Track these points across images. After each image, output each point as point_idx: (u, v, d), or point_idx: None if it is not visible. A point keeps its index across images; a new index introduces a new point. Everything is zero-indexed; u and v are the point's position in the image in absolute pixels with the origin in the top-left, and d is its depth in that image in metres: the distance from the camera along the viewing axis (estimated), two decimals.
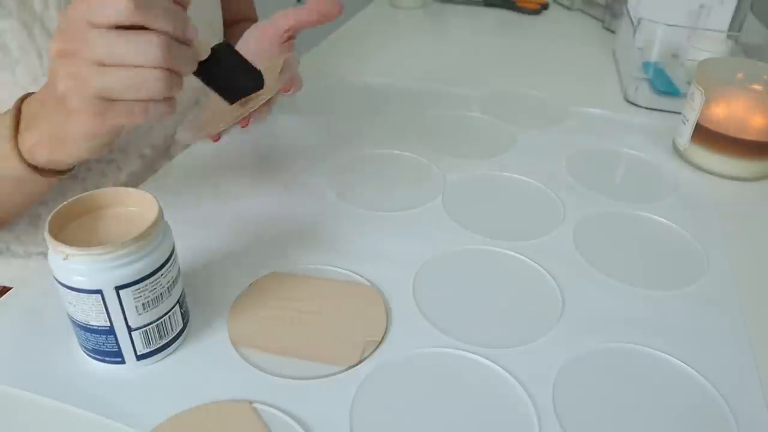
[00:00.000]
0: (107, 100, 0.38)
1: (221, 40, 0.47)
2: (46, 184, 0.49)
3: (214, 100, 0.53)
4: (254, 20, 0.82)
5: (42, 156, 0.45)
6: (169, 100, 0.40)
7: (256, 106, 0.50)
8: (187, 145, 0.54)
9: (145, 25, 0.37)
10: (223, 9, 0.75)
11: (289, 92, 0.56)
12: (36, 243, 0.63)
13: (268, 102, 0.51)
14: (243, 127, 0.53)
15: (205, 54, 0.42)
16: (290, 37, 0.58)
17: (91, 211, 0.41)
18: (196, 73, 0.42)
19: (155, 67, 0.37)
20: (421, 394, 0.40)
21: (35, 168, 0.46)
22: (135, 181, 0.67)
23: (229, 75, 0.45)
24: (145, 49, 0.37)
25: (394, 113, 0.77)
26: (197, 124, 0.56)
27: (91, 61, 0.37)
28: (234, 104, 0.47)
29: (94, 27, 0.37)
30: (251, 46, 0.57)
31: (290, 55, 0.56)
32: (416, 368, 0.42)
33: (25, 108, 0.46)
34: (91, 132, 0.41)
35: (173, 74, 0.39)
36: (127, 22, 0.36)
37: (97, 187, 0.63)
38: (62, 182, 0.62)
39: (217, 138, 0.56)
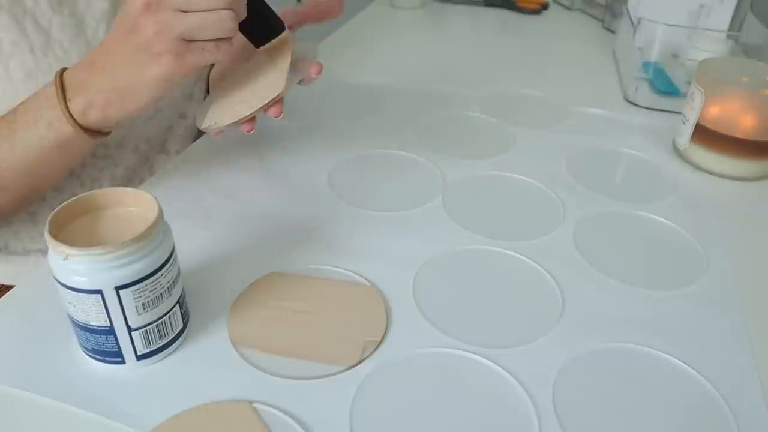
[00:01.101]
0: (187, 41, 0.45)
1: None
2: (92, 146, 0.53)
3: (221, 91, 0.55)
4: None
5: (94, 116, 0.49)
6: (230, 40, 0.46)
7: (265, 103, 0.51)
8: (221, 130, 0.54)
9: None
10: None
11: (317, 75, 0.56)
12: (34, 240, 0.63)
13: (281, 100, 0.52)
14: (248, 131, 0.54)
15: None
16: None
17: (91, 211, 0.41)
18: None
19: (225, 9, 0.44)
20: (421, 394, 0.40)
21: (85, 130, 0.49)
22: (130, 175, 0.67)
23: (260, 18, 0.51)
24: None
25: (394, 113, 0.77)
26: (212, 110, 0.56)
27: (174, 8, 0.43)
28: (249, 95, 0.51)
29: (185, 40, 0.44)
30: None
31: (304, 45, 0.56)
32: (416, 368, 0.42)
33: (68, 77, 0.49)
34: (171, 72, 0.46)
35: (236, 14, 0.45)
36: None
37: (94, 182, 0.64)
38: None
39: (217, 135, 0.55)
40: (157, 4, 0.43)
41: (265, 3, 0.52)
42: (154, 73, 0.46)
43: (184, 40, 0.44)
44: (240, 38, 0.49)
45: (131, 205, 0.41)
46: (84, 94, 0.48)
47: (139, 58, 0.45)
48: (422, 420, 0.39)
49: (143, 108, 0.49)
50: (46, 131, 0.49)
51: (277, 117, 0.52)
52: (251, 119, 0.52)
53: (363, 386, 0.40)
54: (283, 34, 0.53)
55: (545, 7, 1.19)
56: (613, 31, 1.07)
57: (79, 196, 0.40)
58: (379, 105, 0.79)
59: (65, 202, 0.39)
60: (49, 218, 0.37)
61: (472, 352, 0.43)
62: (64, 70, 0.50)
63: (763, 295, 0.50)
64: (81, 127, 0.49)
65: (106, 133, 0.52)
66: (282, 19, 0.56)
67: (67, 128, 0.49)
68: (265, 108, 0.51)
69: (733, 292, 0.49)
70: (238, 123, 0.52)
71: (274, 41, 0.53)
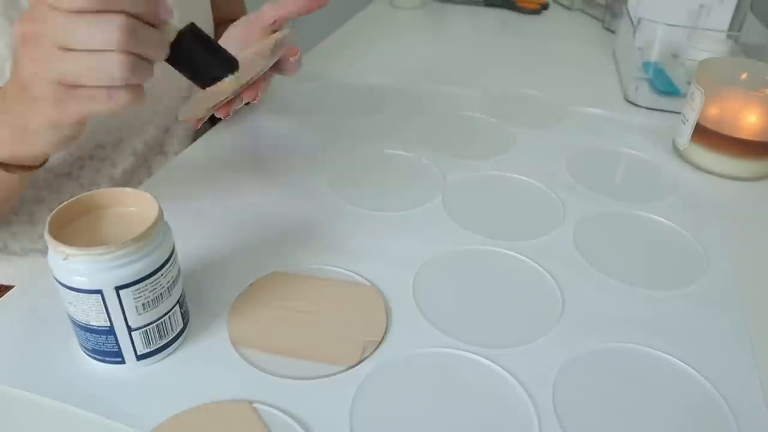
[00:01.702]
0: (69, 87, 0.37)
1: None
2: (16, 180, 0.47)
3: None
4: None
5: (4, 150, 0.44)
6: (135, 87, 0.37)
7: (240, 87, 0.47)
8: (192, 121, 0.52)
9: (108, 8, 0.35)
10: (215, 9, 0.75)
11: (294, 59, 0.53)
12: (33, 240, 0.63)
13: (257, 83, 0.49)
14: (224, 117, 0.50)
15: (171, 38, 0.40)
16: (275, 29, 0.58)
17: (91, 211, 0.41)
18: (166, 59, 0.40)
19: (118, 51, 0.35)
20: (421, 394, 0.40)
21: (4, 165, 0.45)
22: (128, 177, 0.67)
23: (198, 59, 0.42)
24: (106, 32, 0.34)
25: (394, 113, 0.77)
26: (194, 102, 0.56)
27: (53, 45, 0.35)
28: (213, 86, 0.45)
29: (56, 9, 0.35)
30: (240, 36, 0.57)
31: (284, 32, 0.55)
32: (416, 368, 0.42)
33: None
34: (52, 121, 0.39)
35: (139, 59, 0.36)
36: (89, 6, 0.34)
37: (92, 185, 0.64)
38: (57, 181, 0.62)
39: (196, 125, 0.53)
40: (33, 38, 0.36)
41: (204, 38, 0.42)
42: (36, 119, 0.39)
43: (64, 84, 0.36)
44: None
45: (131, 205, 0.41)
46: None
47: (20, 99, 0.39)
48: (422, 420, 0.38)
49: (55, 149, 0.43)
50: None
51: (253, 100, 0.48)
52: (227, 104, 0.48)
53: (363, 386, 0.40)
54: (232, 76, 0.45)
55: (545, 7, 1.19)
56: (613, 31, 1.07)
57: (78, 196, 0.40)
58: (379, 105, 0.79)
59: (65, 202, 0.39)
60: (49, 218, 0.37)
61: (472, 352, 0.43)
62: None
63: (763, 295, 0.50)
64: None
65: (36, 167, 0.47)
66: (266, 14, 0.55)
67: None
68: (240, 92, 0.48)
69: (733, 292, 0.49)
70: (211, 110, 0.49)
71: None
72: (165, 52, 0.39)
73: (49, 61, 0.36)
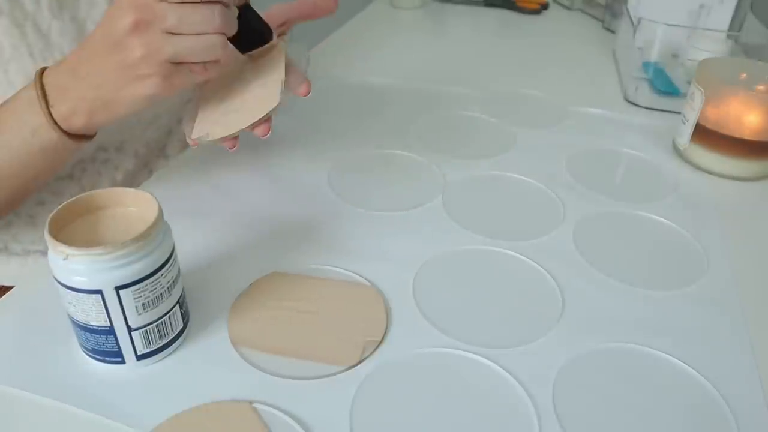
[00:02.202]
0: (175, 64, 0.44)
1: None
2: (76, 150, 0.52)
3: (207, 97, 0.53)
4: None
5: (79, 122, 0.48)
6: (218, 61, 0.45)
7: (259, 118, 0.49)
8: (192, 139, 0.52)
9: None
10: None
11: (303, 93, 0.53)
12: (34, 241, 0.63)
13: (269, 119, 0.50)
14: (229, 148, 0.51)
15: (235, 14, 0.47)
16: (282, 33, 0.58)
17: (90, 212, 0.41)
18: None
19: (216, 33, 0.43)
20: (421, 394, 0.40)
21: (69, 135, 0.49)
22: (130, 179, 0.67)
23: (254, 29, 0.50)
24: (210, 17, 0.43)
25: (394, 113, 0.77)
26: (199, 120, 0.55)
27: (163, 30, 0.42)
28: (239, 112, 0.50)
29: (164, 1, 0.42)
30: None
31: (282, 43, 0.55)
32: (416, 368, 0.42)
33: (49, 81, 0.48)
34: (157, 93, 0.45)
35: (226, 39, 0.45)
36: None
37: (94, 187, 0.64)
38: (59, 183, 0.62)
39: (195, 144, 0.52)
40: (146, 25, 0.42)
41: (255, 12, 0.50)
42: (139, 93, 0.45)
43: (172, 63, 0.44)
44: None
45: (131, 205, 0.41)
46: (67, 101, 0.47)
47: (124, 77, 0.45)
48: (422, 420, 0.38)
49: (128, 115, 0.48)
50: (30, 137, 0.48)
51: (263, 137, 0.50)
52: (235, 137, 0.50)
53: (363, 386, 0.40)
54: (274, 40, 0.52)
55: (545, 7, 1.19)
56: (613, 31, 1.07)
57: (78, 196, 0.40)
58: (379, 105, 0.79)
59: (65, 202, 0.39)
60: (49, 218, 0.37)
61: (472, 352, 0.43)
62: (43, 70, 0.48)
63: (763, 295, 0.50)
64: (65, 132, 0.48)
65: (91, 137, 0.52)
66: (274, 14, 0.56)
67: (52, 134, 0.48)
68: (252, 128, 0.49)
69: (733, 292, 0.49)
70: (229, 137, 0.50)
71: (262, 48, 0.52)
72: (236, 27, 0.46)
73: (162, 44, 0.43)
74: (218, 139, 0.50)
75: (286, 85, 0.50)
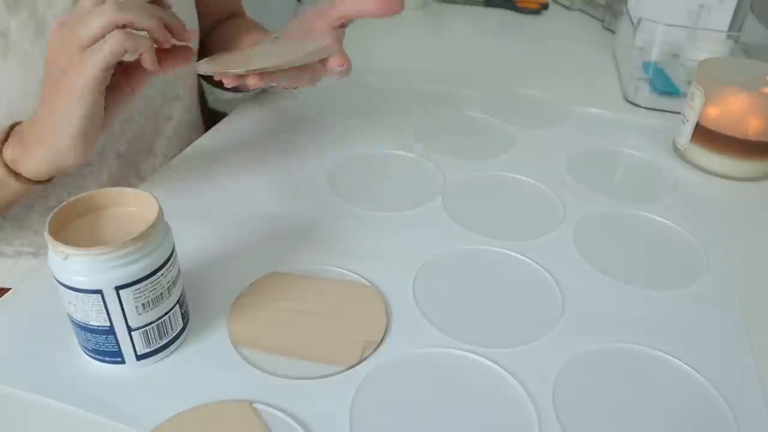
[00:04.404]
0: (81, 48, 0.45)
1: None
2: (28, 191, 0.52)
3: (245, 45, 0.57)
4: (242, 15, 0.81)
5: (41, 169, 0.50)
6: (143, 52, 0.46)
7: (271, 66, 0.51)
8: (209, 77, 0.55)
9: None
10: (210, 8, 0.74)
11: (341, 68, 0.55)
12: (23, 244, 0.63)
13: (274, 73, 0.52)
14: (227, 85, 0.53)
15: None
16: (342, 24, 0.57)
17: (91, 211, 0.41)
18: None
19: (114, 26, 0.44)
20: (421, 394, 0.40)
21: (16, 175, 0.50)
22: (117, 180, 0.66)
23: None
24: (100, 15, 0.44)
25: (394, 113, 0.77)
26: (220, 60, 0.57)
27: (80, 47, 0.44)
28: (257, 55, 0.53)
29: (83, 49, 0.44)
30: (307, 23, 0.57)
31: (333, 46, 0.56)
32: (416, 368, 0.42)
33: (14, 129, 0.51)
34: (77, 88, 0.45)
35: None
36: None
37: (80, 190, 0.62)
38: (46, 187, 0.61)
39: (232, 81, 0.54)
40: (63, 49, 0.45)
41: None
42: (63, 92, 0.46)
43: (101, 69, 0.45)
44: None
45: (131, 205, 0.41)
46: (21, 142, 0.49)
47: (52, 91, 0.47)
48: (422, 420, 0.39)
49: (83, 150, 0.49)
50: None
51: (254, 87, 0.52)
52: (239, 77, 0.52)
53: (363, 386, 0.40)
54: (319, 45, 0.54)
55: (545, 7, 1.19)
56: (613, 31, 1.07)
57: (78, 196, 0.40)
58: (379, 105, 0.79)
59: (65, 202, 0.39)
60: (49, 218, 0.37)
61: (472, 352, 0.43)
62: (15, 124, 0.51)
63: (763, 295, 0.50)
64: (12, 173, 0.50)
65: (40, 182, 0.53)
66: (336, 8, 0.56)
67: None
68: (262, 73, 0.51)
69: (733, 292, 0.49)
70: (236, 73, 0.51)
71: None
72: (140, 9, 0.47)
73: (69, 37, 0.45)
74: (218, 71, 0.51)
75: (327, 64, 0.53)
